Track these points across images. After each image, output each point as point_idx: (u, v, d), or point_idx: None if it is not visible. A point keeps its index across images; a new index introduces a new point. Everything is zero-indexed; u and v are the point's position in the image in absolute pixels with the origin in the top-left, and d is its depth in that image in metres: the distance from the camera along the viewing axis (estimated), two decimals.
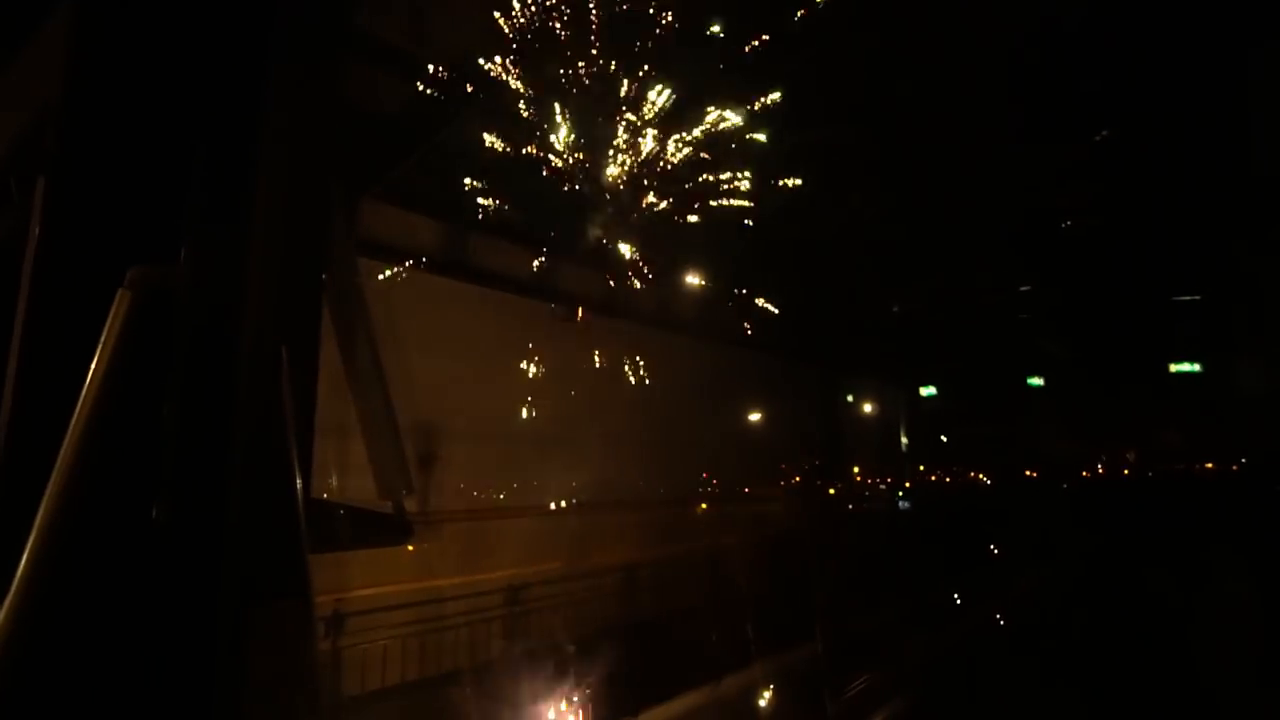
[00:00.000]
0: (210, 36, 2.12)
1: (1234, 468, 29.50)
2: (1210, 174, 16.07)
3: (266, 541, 2.11)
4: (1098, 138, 14.98)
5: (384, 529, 3.44)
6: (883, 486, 29.82)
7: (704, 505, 18.20)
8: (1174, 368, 27.91)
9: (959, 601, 16.27)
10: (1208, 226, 18.61)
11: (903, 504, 28.56)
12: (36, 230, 1.91)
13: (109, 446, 1.66)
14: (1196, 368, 27.62)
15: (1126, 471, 32.99)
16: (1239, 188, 16.41)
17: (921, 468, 33.57)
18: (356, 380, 3.14)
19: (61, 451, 1.57)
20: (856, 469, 28.57)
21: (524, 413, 13.48)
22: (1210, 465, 30.63)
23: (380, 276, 10.06)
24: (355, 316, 3.26)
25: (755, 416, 22.29)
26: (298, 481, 2.11)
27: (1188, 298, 24.08)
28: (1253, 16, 10.83)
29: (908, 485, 30.92)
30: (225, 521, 1.94)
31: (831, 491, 24.79)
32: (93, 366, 1.62)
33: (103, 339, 1.64)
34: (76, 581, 1.63)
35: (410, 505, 3.67)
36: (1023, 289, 23.62)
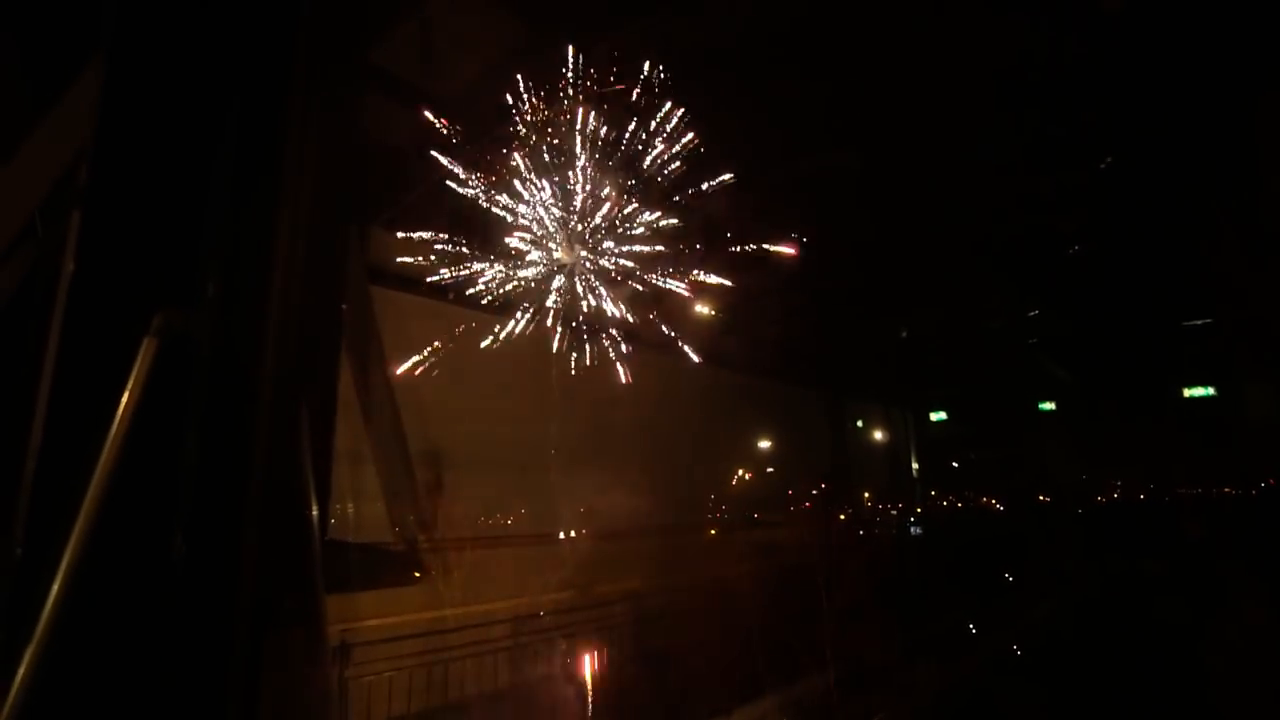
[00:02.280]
0: (233, 92, 2.22)
1: (1252, 492, 28.96)
2: (1220, 196, 16.07)
3: (282, 572, 2.14)
4: (1104, 163, 15.05)
5: (397, 566, 3.48)
6: (893, 512, 29.47)
7: (713, 532, 18.05)
8: (1188, 392, 27.65)
9: (973, 631, 15.95)
10: (1218, 249, 18.56)
11: (914, 530, 28.20)
12: (70, 265, 1.98)
13: (134, 481, 1.71)
14: (1210, 392, 27.36)
15: (1142, 496, 32.45)
16: (1249, 209, 16.41)
17: (932, 493, 33.21)
18: (370, 411, 3.20)
19: (90, 485, 1.62)
20: (867, 494, 28.31)
21: (532, 440, 13.48)
22: (1227, 490, 30.11)
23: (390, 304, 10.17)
24: (369, 347, 3.34)
25: (765, 443, 22.23)
26: (314, 514, 2.15)
27: (1200, 321, 23.93)
28: (1260, 35, 10.87)
29: (918, 511, 30.55)
30: (243, 553, 1.98)
31: (842, 517, 24.53)
32: (120, 408, 1.68)
33: (129, 384, 1.71)
34: (101, 608, 1.67)
35: (419, 533, 3.70)
36: (1031, 314, 23.56)
